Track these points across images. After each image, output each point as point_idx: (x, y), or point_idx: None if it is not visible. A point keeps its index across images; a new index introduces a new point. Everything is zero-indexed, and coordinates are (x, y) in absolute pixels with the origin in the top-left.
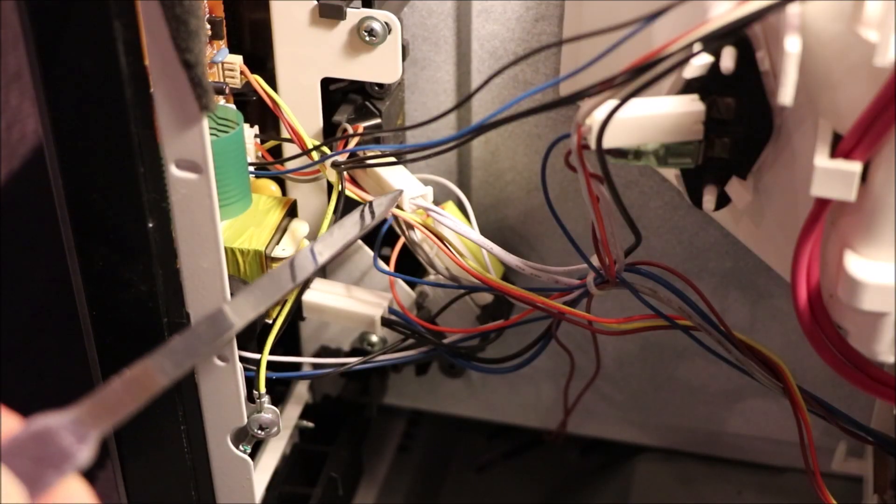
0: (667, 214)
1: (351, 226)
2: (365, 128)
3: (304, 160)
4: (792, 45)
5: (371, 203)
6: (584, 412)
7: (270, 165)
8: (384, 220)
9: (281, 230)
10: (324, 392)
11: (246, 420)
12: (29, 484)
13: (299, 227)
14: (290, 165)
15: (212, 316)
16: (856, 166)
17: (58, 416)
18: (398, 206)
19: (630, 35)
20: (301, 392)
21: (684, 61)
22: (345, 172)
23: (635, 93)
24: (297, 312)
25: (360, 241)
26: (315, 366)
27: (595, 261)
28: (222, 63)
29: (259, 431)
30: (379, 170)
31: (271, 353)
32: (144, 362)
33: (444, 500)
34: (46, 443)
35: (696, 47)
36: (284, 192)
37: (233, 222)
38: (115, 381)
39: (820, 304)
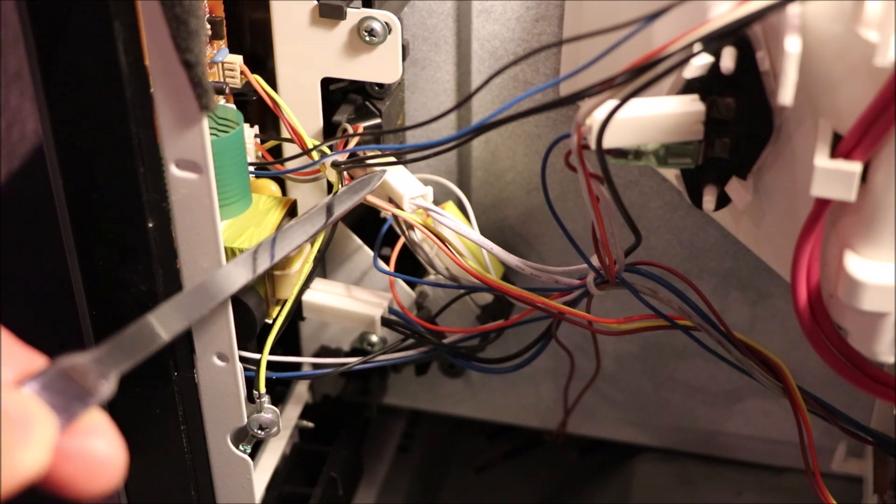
0: (667, 214)
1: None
2: (365, 128)
3: (304, 160)
4: (792, 45)
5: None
6: (584, 412)
7: (270, 165)
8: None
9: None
10: (324, 392)
11: (246, 420)
12: (58, 414)
13: None
14: (290, 165)
15: (219, 272)
16: (856, 166)
17: (81, 356)
18: (398, 206)
19: (630, 35)
20: (301, 392)
21: (684, 61)
22: (345, 172)
23: (635, 93)
24: (297, 312)
25: (359, 241)
26: (315, 366)
27: (595, 261)
28: (222, 63)
29: (259, 431)
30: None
31: (271, 352)
32: (150, 315)
33: (444, 500)
34: (72, 378)
35: (696, 47)
36: (284, 192)
37: (233, 222)
38: (129, 328)
39: (820, 304)
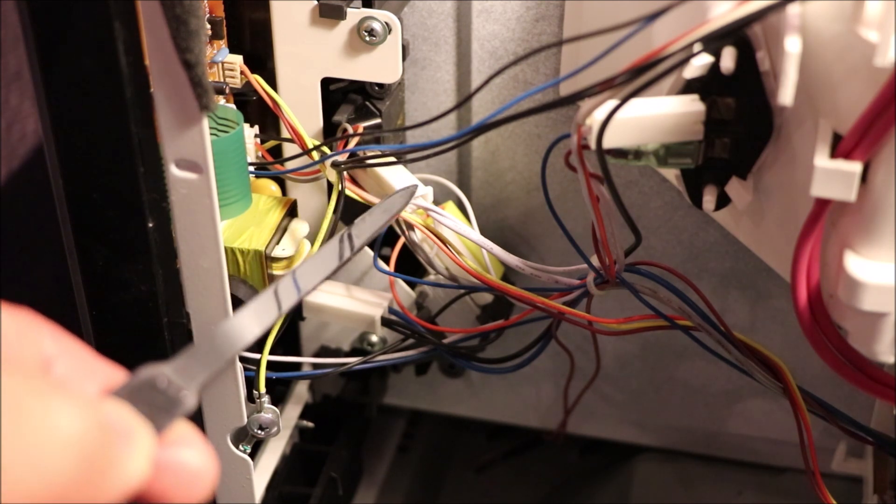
0: (667, 215)
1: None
2: (365, 128)
3: (304, 160)
4: (792, 45)
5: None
6: (584, 412)
7: (270, 165)
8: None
9: (281, 230)
10: (324, 392)
11: (246, 420)
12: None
13: (299, 226)
14: (290, 165)
15: (288, 274)
16: (856, 166)
17: (161, 366)
18: None
19: (630, 35)
20: (301, 392)
21: (684, 61)
22: (345, 172)
23: (635, 93)
24: (297, 312)
25: None
26: (315, 366)
27: (595, 261)
28: (222, 63)
29: (259, 431)
30: (379, 170)
31: (271, 352)
32: (229, 322)
33: (444, 500)
34: (156, 390)
35: (697, 47)
36: (284, 192)
37: (233, 222)
38: (207, 337)
39: (820, 304)
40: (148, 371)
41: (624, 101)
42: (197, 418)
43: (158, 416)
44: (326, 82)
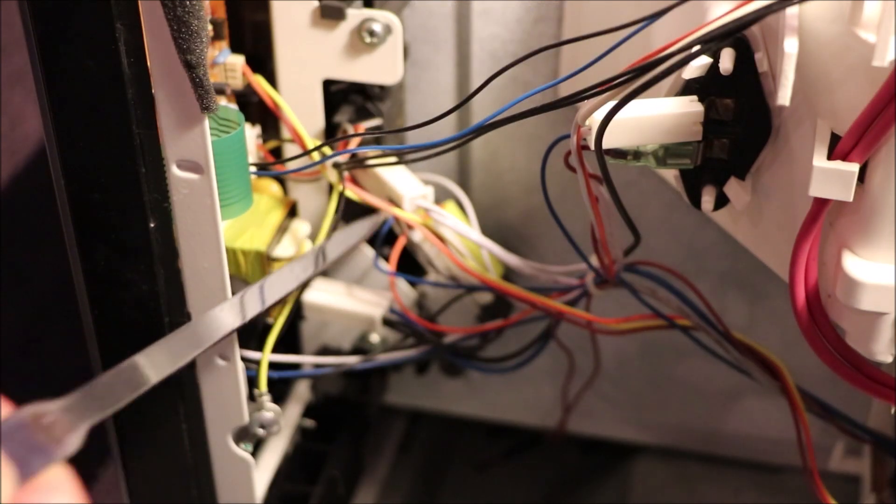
0: (666, 215)
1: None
2: (366, 128)
3: (305, 160)
4: (790, 45)
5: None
6: (583, 412)
7: (271, 165)
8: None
9: (282, 230)
10: (324, 391)
11: (247, 419)
12: (18, 467)
13: (300, 227)
14: (291, 166)
15: (207, 316)
16: (853, 167)
17: (49, 404)
18: (398, 206)
19: (630, 36)
20: (302, 391)
21: (684, 63)
22: (345, 173)
23: (635, 94)
24: (297, 312)
25: None
26: (316, 365)
27: (594, 261)
28: (224, 64)
29: (260, 430)
30: (379, 170)
31: (272, 352)
32: (135, 358)
33: (444, 500)
34: (36, 429)
35: (695, 49)
36: (286, 193)
37: (234, 222)
38: (107, 374)
39: (818, 304)
40: (33, 409)
41: (623, 101)
42: (198, 417)
43: (34, 457)
44: (328, 83)
